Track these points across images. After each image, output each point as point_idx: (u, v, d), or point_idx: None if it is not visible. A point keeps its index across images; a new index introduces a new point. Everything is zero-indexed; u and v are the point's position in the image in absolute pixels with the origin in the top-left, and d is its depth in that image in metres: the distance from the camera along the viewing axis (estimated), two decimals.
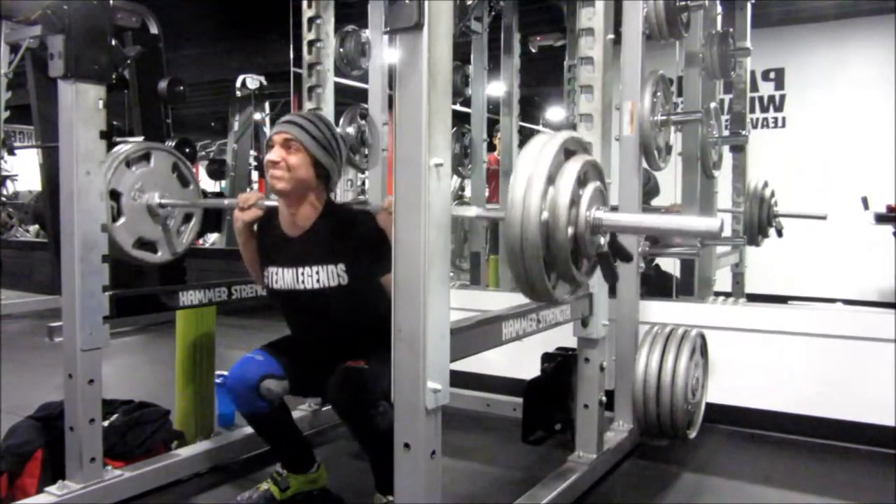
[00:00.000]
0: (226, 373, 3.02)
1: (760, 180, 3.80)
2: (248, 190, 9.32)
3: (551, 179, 1.44)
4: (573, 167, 1.48)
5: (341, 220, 2.18)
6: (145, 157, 2.47)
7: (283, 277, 2.17)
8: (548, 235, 1.44)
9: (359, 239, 2.12)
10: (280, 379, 2.16)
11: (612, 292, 2.65)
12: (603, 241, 1.53)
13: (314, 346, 2.26)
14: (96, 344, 2.15)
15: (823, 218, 3.93)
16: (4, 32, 4.16)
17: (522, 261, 1.45)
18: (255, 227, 2.27)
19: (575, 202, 1.47)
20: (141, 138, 4.50)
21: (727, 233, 4.19)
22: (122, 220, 2.39)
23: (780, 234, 3.90)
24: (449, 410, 1.54)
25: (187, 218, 2.62)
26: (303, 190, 2.12)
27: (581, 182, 1.50)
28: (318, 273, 2.11)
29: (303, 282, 2.13)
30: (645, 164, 2.73)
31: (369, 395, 1.95)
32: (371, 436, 2.00)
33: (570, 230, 1.46)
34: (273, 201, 2.22)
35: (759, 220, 3.76)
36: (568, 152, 1.52)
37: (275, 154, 2.07)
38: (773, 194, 3.83)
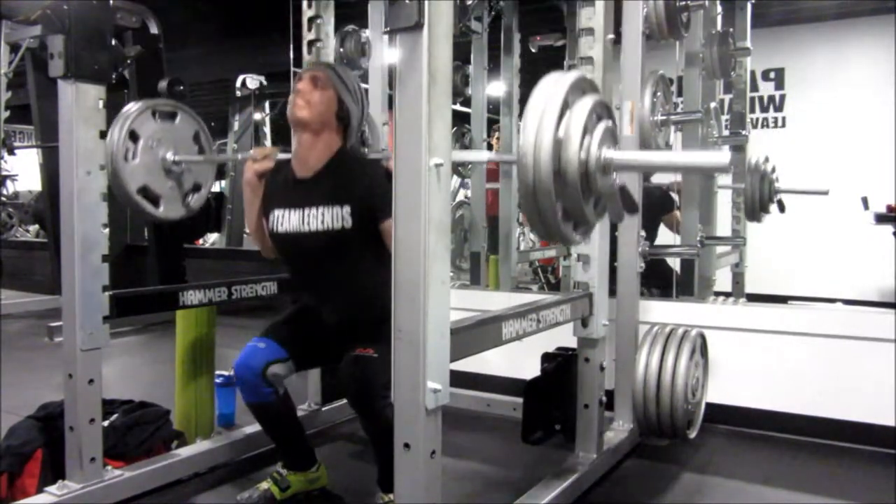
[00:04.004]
0: (226, 373, 3.05)
1: (762, 155, 3.76)
2: None
3: (562, 118, 1.46)
4: (584, 105, 1.49)
5: (352, 165, 2.21)
6: (172, 115, 2.51)
7: (288, 220, 2.20)
8: (559, 172, 1.47)
9: (367, 185, 2.12)
10: (284, 362, 2.21)
11: (612, 293, 2.65)
12: (613, 180, 1.57)
13: (314, 307, 2.28)
14: (96, 344, 2.15)
15: (825, 193, 3.82)
16: (4, 32, 4.16)
17: (535, 200, 1.47)
18: (264, 179, 2.30)
19: (586, 139, 1.49)
20: None
21: (727, 232, 4.19)
22: (134, 162, 2.37)
23: (781, 209, 3.82)
24: (449, 410, 1.54)
25: (196, 188, 2.61)
26: (321, 125, 2.16)
27: (591, 121, 1.52)
28: (323, 214, 2.13)
29: (308, 223, 2.16)
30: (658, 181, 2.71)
31: (377, 385, 1.95)
32: (379, 427, 1.98)
33: (582, 168, 1.49)
34: (286, 154, 2.27)
35: (760, 196, 3.73)
36: (577, 91, 1.54)
37: (302, 85, 2.15)
38: (773, 169, 3.78)
